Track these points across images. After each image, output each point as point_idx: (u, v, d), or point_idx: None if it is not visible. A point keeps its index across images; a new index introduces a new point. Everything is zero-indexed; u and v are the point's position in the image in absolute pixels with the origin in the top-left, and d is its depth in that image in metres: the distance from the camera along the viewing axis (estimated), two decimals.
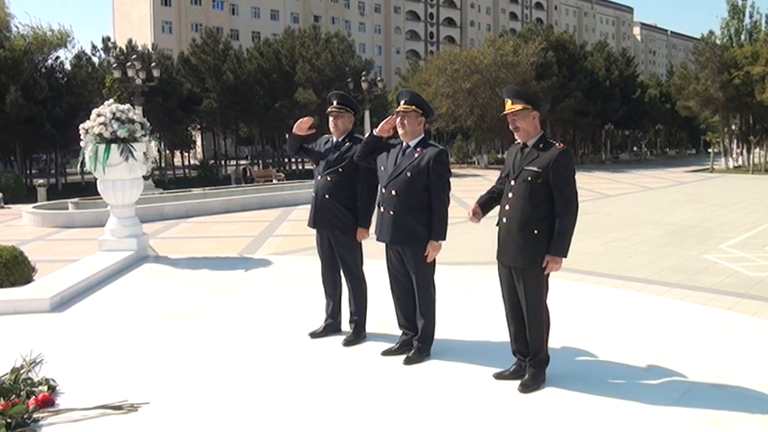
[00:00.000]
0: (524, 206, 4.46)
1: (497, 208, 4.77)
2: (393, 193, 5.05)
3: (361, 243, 5.65)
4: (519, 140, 4.62)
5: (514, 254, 4.53)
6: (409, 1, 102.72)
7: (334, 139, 5.65)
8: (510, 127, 4.56)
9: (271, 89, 43.50)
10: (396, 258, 5.22)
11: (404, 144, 5.17)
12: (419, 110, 5.09)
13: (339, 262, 5.72)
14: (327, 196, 5.56)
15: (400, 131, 5.14)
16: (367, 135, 5.39)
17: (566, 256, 4.47)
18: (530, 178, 4.43)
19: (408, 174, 5.01)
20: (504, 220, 4.59)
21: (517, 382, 4.63)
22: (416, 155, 5.05)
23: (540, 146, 4.49)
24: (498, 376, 4.78)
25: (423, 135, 5.16)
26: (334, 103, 5.60)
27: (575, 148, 60.33)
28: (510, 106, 4.51)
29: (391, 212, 5.07)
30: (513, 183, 4.55)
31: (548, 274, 4.55)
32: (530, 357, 4.65)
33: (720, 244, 11.88)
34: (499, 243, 4.70)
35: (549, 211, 4.42)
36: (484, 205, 4.84)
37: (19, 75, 32.25)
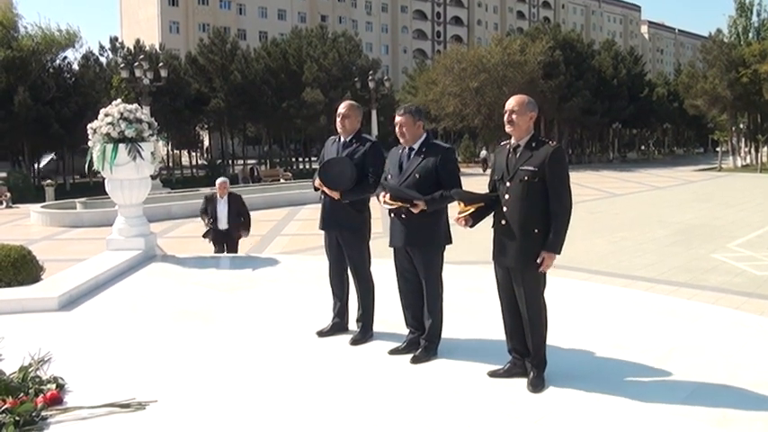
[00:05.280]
0: (523, 207, 4.48)
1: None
2: None
3: (369, 243, 5.66)
4: (511, 140, 4.64)
5: (515, 255, 4.52)
6: (416, 0, 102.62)
7: (342, 140, 5.64)
8: (505, 119, 4.58)
9: (278, 89, 43.59)
10: (404, 257, 5.23)
11: (407, 148, 5.17)
12: (414, 116, 5.11)
13: (347, 262, 5.72)
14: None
15: (402, 141, 5.16)
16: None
17: (560, 253, 4.49)
18: (526, 178, 4.45)
19: (417, 176, 5.02)
20: (503, 222, 4.58)
21: (512, 380, 4.65)
22: (422, 156, 5.06)
23: (533, 145, 4.52)
24: (493, 374, 4.79)
25: (425, 135, 5.17)
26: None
27: (582, 147, 60.34)
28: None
29: (403, 216, 5.06)
30: (508, 184, 4.55)
31: (544, 271, 4.56)
32: (532, 356, 4.64)
33: (728, 243, 11.85)
34: (496, 245, 4.69)
35: (547, 209, 4.45)
36: (476, 215, 4.76)
37: (27, 75, 32.42)
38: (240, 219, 10.79)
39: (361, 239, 5.62)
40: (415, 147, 5.12)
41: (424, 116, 5.21)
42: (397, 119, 5.13)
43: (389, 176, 5.22)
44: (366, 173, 5.43)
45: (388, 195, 5.05)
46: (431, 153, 5.05)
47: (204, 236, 10.89)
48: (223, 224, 10.64)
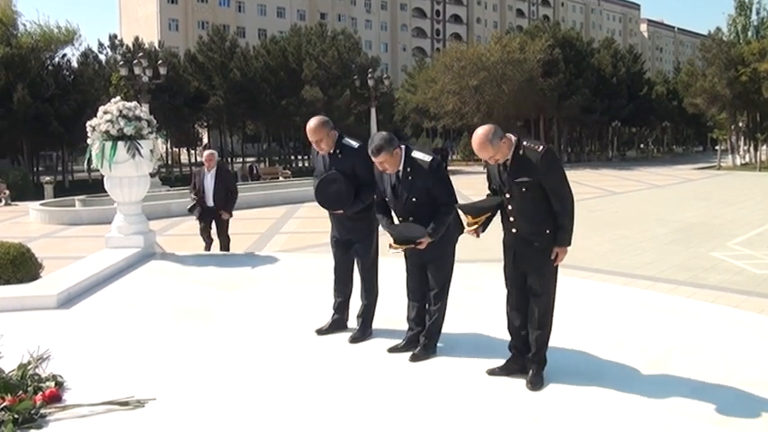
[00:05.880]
0: (529, 214, 4.50)
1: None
2: (410, 219, 5.05)
3: (377, 245, 5.67)
4: None
5: (535, 258, 4.56)
6: None
7: (327, 153, 5.59)
8: (491, 163, 4.56)
9: (277, 87, 43.55)
10: (418, 258, 5.20)
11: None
12: (388, 150, 4.88)
13: (356, 261, 5.75)
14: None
15: (387, 172, 5.04)
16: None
17: (570, 245, 4.55)
18: (524, 189, 4.44)
19: (414, 199, 4.98)
20: (514, 230, 4.60)
21: (511, 378, 4.67)
22: (409, 177, 4.96)
23: (520, 153, 4.44)
24: (491, 372, 4.80)
25: (403, 154, 4.99)
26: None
27: (581, 146, 60.31)
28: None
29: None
30: (508, 196, 4.55)
31: (557, 266, 4.62)
32: (533, 353, 4.66)
33: (727, 242, 11.84)
34: (510, 251, 4.70)
35: (551, 207, 4.47)
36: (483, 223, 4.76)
37: (26, 72, 32.37)
38: (228, 197, 10.29)
39: (370, 238, 5.65)
40: (400, 168, 5.01)
41: (395, 141, 4.96)
42: (376, 161, 4.94)
43: (386, 198, 5.17)
44: (361, 180, 5.41)
45: (392, 241, 5.03)
46: (416, 173, 4.93)
47: (190, 210, 10.43)
48: (211, 200, 10.21)
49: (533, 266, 4.59)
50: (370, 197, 5.44)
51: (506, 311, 4.85)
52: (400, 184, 5.02)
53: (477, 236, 4.77)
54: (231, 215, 10.45)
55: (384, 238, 5.33)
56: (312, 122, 5.47)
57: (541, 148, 4.45)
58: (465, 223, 4.81)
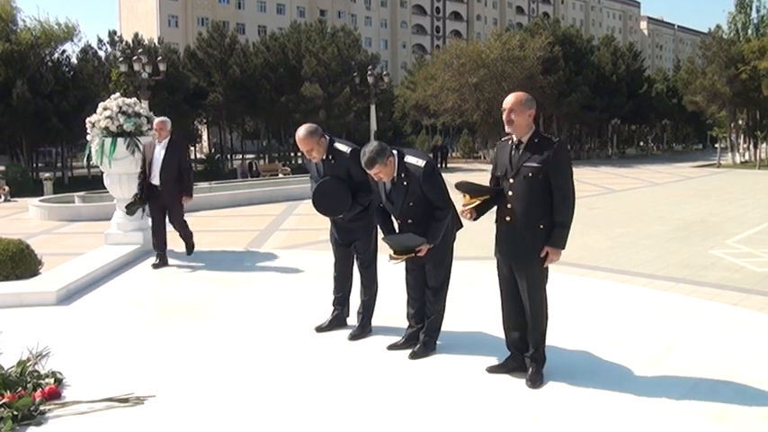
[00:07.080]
0: (527, 203, 4.48)
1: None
2: (409, 222, 5.04)
3: (377, 244, 5.67)
4: (512, 136, 4.56)
5: (521, 251, 4.54)
6: None
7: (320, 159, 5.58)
8: (504, 119, 4.50)
9: (277, 83, 43.45)
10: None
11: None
12: (383, 161, 4.83)
13: (356, 260, 5.77)
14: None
15: (383, 182, 5.02)
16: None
17: (564, 248, 4.51)
18: (530, 174, 4.43)
19: (411, 203, 4.96)
20: (508, 218, 4.57)
21: (510, 376, 4.68)
22: (404, 183, 4.93)
23: (535, 141, 4.48)
24: (491, 370, 4.80)
25: (396, 160, 4.93)
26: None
27: (581, 143, 60.28)
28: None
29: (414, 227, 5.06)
30: (512, 180, 4.52)
31: (547, 266, 4.59)
32: (531, 351, 4.65)
33: (727, 239, 11.84)
34: (500, 241, 4.69)
35: (551, 204, 4.45)
36: (480, 207, 4.71)
37: (25, 68, 32.31)
38: (180, 176, 8.61)
39: (369, 236, 5.66)
40: (394, 175, 4.96)
41: (387, 149, 4.89)
42: (371, 173, 4.90)
43: (382, 204, 5.17)
44: (357, 182, 5.41)
45: (392, 252, 5.02)
46: (410, 178, 4.90)
47: (129, 207, 8.72)
48: (158, 178, 8.50)
49: (523, 263, 4.56)
50: (367, 199, 5.45)
51: (501, 312, 4.85)
52: (395, 190, 5.00)
53: (472, 218, 4.69)
54: (191, 197, 8.93)
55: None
56: (300, 133, 5.44)
57: (557, 139, 4.51)
58: (462, 204, 4.73)
